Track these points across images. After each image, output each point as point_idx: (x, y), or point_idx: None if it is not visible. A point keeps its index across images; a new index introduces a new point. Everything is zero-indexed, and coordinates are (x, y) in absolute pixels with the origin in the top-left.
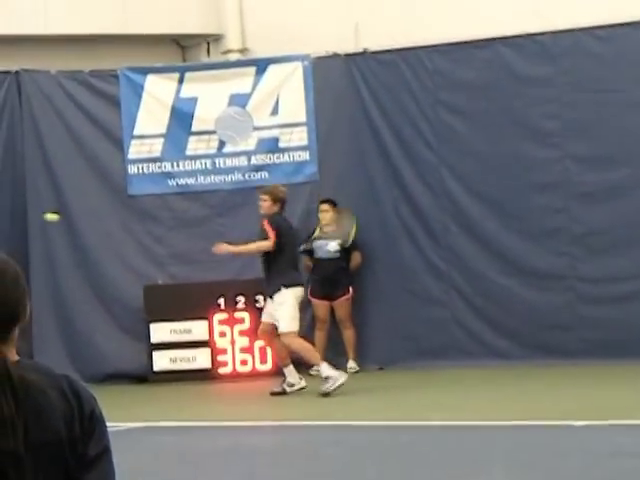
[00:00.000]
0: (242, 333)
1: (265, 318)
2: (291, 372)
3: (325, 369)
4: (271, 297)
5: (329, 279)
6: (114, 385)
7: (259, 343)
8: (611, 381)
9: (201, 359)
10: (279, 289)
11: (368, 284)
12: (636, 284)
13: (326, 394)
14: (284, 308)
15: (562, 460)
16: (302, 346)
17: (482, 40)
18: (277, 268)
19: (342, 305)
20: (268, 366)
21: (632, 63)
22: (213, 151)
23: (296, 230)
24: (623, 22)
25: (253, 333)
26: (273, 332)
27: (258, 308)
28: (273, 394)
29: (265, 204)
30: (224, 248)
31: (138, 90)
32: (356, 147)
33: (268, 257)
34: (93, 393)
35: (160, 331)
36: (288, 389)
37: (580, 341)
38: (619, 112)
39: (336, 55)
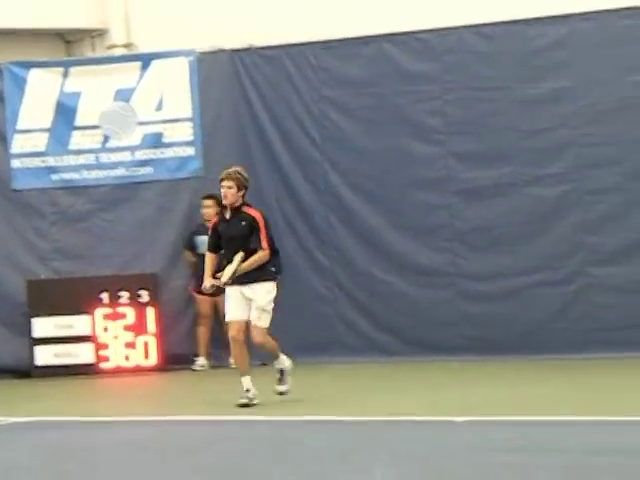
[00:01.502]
0: (125, 328)
1: (238, 315)
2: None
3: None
4: (243, 284)
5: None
6: None
7: (142, 338)
8: (491, 377)
9: (84, 354)
10: (270, 279)
11: None
12: (517, 281)
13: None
14: (269, 301)
15: (442, 456)
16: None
17: (367, 37)
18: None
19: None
20: (151, 361)
21: (515, 61)
22: (97, 146)
23: None
24: (506, 20)
25: (136, 328)
26: (246, 331)
27: (141, 303)
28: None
29: (230, 192)
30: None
31: (21, 84)
32: (240, 143)
33: (247, 248)
34: None
35: (43, 326)
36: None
37: (461, 337)
38: (502, 109)
39: (221, 50)
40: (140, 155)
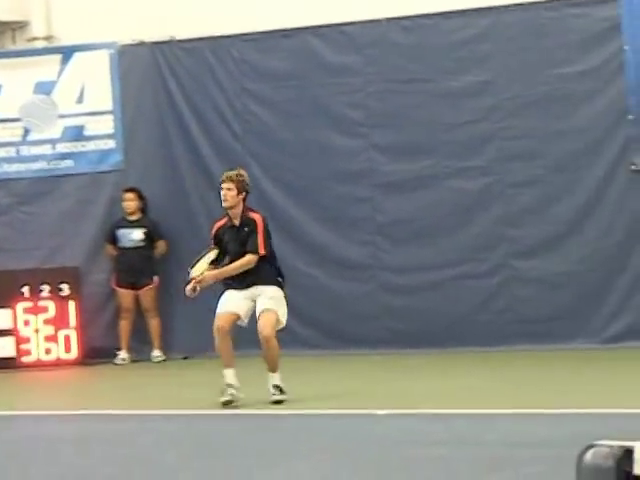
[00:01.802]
0: (46, 322)
1: (230, 308)
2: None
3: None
4: (248, 287)
5: (134, 268)
6: None
7: (64, 332)
8: (413, 370)
9: (5, 348)
10: (276, 284)
11: (173, 273)
12: (440, 274)
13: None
14: (282, 303)
15: (364, 448)
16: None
17: (289, 30)
18: (272, 266)
19: (147, 294)
20: (72, 355)
21: (437, 54)
22: (18, 139)
23: None
24: (428, 13)
25: (58, 322)
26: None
27: (62, 297)
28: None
29: (229, 194)
30: (206, 278)
31: None
32: (162, 136)
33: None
34: None
35: None
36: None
37: (384, 330)
38: (424, 102)
39: (142, 43)
40: (61, 148)
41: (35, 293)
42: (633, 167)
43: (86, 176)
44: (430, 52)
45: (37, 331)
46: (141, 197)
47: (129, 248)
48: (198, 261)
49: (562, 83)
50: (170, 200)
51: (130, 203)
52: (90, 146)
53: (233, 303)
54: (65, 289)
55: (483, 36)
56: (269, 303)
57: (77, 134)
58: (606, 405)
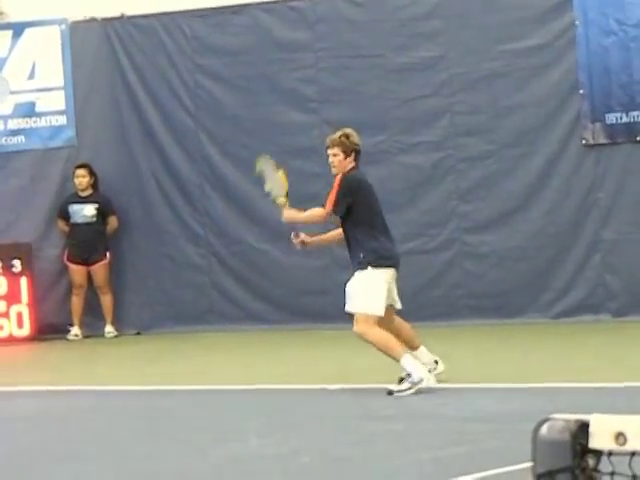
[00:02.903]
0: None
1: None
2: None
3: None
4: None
5: (86, 244)
6: None
7: (16, 308)
8: (364, 345)
9: None
10: (364, 267)
11: (126, 249)
12: None
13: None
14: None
15: (317, 423)
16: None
17: (239, 5)
18: (358, 241)
19: (99, 270)
20: (25, 331)
21: (389, 29)
22: None
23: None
24: None
25: (10, 298)
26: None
27: (14, 273)
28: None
29: (335, 159)
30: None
31: None
32: (114, 112)
33: (346, 227)
34: None
35: None
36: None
37: (336, 305)
38: (375, 78)
39: (93, 19)
40: (12, 124)
41: None
42: (584, 142)
43: (38, 152)
44: (381, 27)
45: None
46: (92, 173)
47: (81, 224)
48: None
49: (513, 58)
50: (122, 176)
51: (82, 179)
52: (41, 122)
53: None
54: (17, 265)
55: (433, 12)
56: (349, 301)
57: (28, 110)
58: (559, 379)
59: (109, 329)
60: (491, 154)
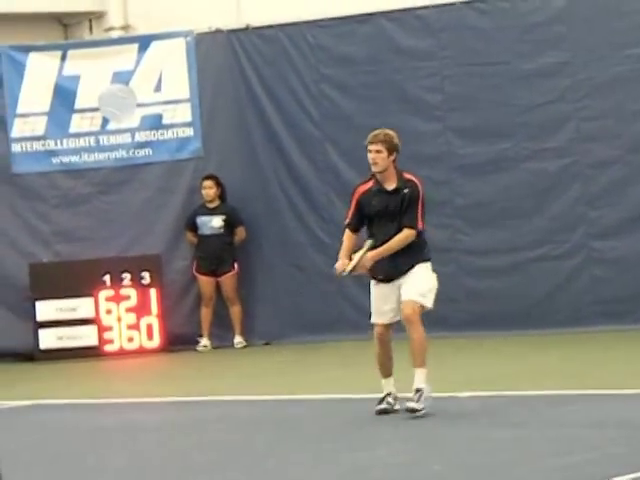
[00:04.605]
0: (128, 310)
1: (387, 316)
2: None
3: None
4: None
5: (214, 255)
6: (0, 364)
7: (146, 320)
8: (493, 352)
9: (87, 336)
10: (427, 260)
11: (253, 259)
12: (518, 256)
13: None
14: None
15: (447, 430)
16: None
17: (364, 15)
18: (417, 241)
19: (228, 281)
20: (155, 343)
21: (513, 36)
22: (96, 128)
23: None
24: None
25: (139, 310)
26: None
27: (144, 285)
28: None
29: (379, 156)
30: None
31: (20, 69)
32: (240, 123)
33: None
34: None
35: (46, 309)
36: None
37: (465, 313)
38: (500, 85)
39: (218, 31)
40: (139, 137)
41: (117, 281)
42: None
43: (165, 164)
44: (505, 34)
45: (119, 319)
46: (220, 184)
47: (209, 235)
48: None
49: (638, 63)
50: (249, 187)
51: (209, 190)
52: (168, 134)
53: (386, 308)
54: (146, 277)
55: (558, 17)
56: (414, 292)
57: (155, 123)
58: None
59: (238, 340)
60: (618, 159)
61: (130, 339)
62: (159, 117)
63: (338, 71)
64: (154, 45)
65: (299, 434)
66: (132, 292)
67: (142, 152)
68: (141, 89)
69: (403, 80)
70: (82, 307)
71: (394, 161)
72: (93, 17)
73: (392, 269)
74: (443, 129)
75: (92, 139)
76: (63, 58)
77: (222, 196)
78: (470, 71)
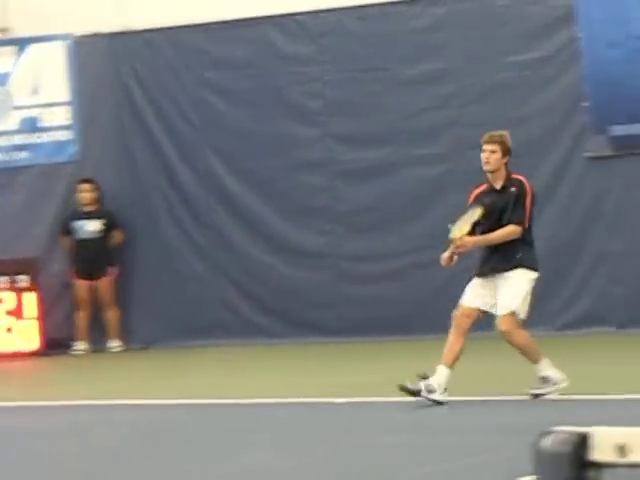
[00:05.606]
0: (5, 313)
1: (476, 303)
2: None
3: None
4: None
5: (91, 259)
6: None
7: (22, 323)
8: (371, 358)
9: None
10: (518, 266)
11: (131, 263)
12: (398, 262)
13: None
14: (522, 292)
15: (326, 436)
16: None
17: (246, 19)
18: (514, 242)
19: (104, 285)
20: (32, 346)
21: (393, 42)
22: None
23: None
24: (383, 2)
25: (16, 313)
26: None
27: (20, 288)
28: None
29: (493, 156)
30: (466, 243)
31: None
32: (118, 127)
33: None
34: None
35: None
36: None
37: (342, 319)
38: (382, 91)
39: (98, 34)
40: (17, 140)
41: None
42: (588, 154)
43: (42, 167)
44: (386, 41)
45: None
46: (97, 188)
47: (85, 239)
48: (459, 220)
49: (518, 71)
50: (127, 191)
51: (85, 194)
52: (46, 137)
53: (478, 297)
54: (23, 280)
55: (438, 25)
56: (506, 300)
57: (33, 125)
58: (563, 392)
59: (114, 343)
60: None
61: (6, 342)
62: (36, 120)
63: (219, 76)
64: (32, 48)
65: (177, 439)
66: (8, 295)
67: (19, 155)
68: (18, 91)
69: (284, 85)
70: None
71: (506, 163)
72: None
73: (491, 265)
74: (324, 135)
75: None
76: None
77: (99, 200)
78: (351, 77)
